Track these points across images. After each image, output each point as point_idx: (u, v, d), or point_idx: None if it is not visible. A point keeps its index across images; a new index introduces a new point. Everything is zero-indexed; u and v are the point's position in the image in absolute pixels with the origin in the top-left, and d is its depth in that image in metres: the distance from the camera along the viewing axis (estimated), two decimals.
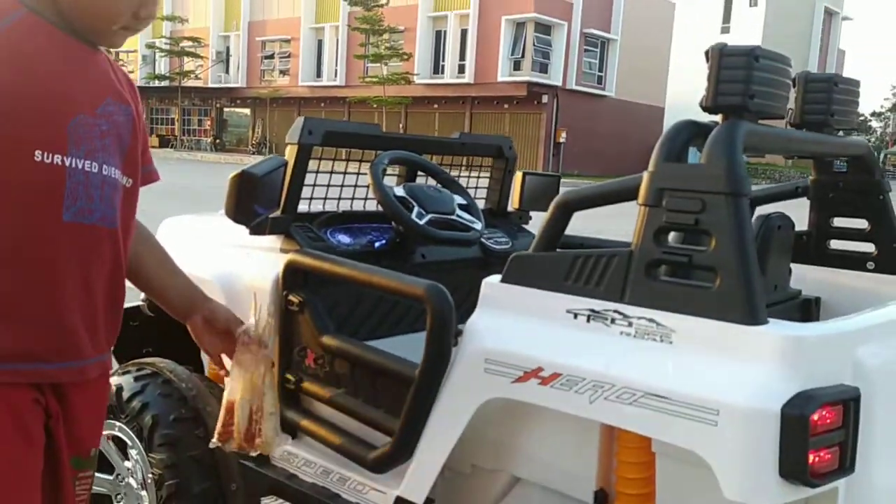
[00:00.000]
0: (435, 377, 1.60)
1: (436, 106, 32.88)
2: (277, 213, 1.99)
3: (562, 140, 30.12)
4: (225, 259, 2.12)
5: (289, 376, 1.94)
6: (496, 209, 2.70)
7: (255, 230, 1.94)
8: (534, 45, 30.73)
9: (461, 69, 32.26)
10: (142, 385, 2.12)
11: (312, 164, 2.09)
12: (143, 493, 2.09)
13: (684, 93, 39.23)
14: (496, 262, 2.57)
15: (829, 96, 1.74)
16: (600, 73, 33.76)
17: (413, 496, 1.65)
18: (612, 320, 1.41)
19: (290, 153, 2.01)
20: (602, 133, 32.61)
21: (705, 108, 1.47)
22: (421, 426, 1.63)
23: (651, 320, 1.37)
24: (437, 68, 33.11)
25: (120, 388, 2.13)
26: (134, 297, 2.43)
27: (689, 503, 1.45)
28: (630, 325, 1.39)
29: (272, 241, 2.03)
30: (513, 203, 2.72)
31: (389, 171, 2.29)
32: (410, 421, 1.63)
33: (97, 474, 2.20)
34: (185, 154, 34.58)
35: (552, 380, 1.42)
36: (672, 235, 1.43)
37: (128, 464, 2.14)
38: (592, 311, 1.44)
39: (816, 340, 1.28)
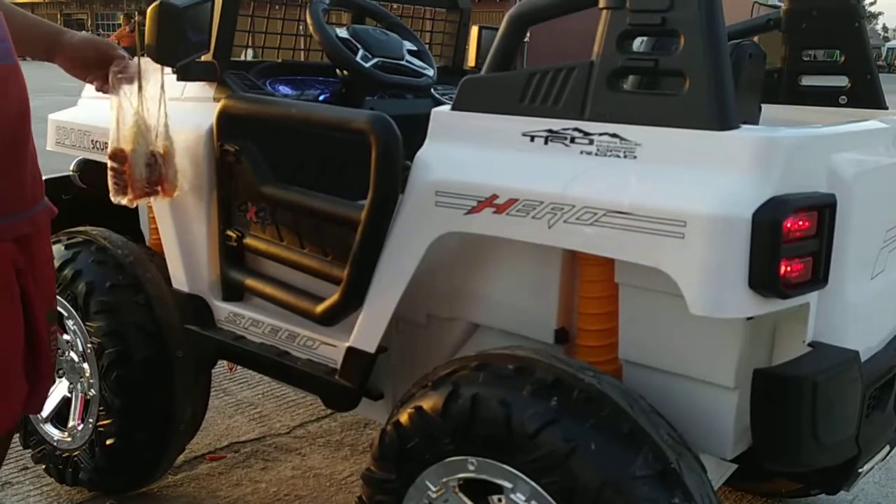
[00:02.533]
0: (382, 216, 1.48)
1: None
2: (208, 56, 1.80)
3: (526, 39, 29.40)
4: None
5: (229, 233, 1.80)
6: (451, 66, 2.52)
7: (183, 73, 1.75)
8: None
9: None
10: (73, 253, 1.97)
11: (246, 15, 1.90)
12: (85, 365, 1.98)
13: None
14: None
15: None
16: None
17: (364, 345, 1.55)
18: (572, 139, 1.29)
19: None
20: (568, 31, 31.82)
21: None
22: (370, 271, 1.52)
23: (614, 135, 1.25)
24: None
25: None
26: (61, 167, 2.26)
27: (652, 335, 1.38)
28: (591, 142, 1.27)
29: (204, 88, 1.85)
30: (469, 61, 2.55)
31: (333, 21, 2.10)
32: (358, 266, 1.52)
33: None
34: None
35: (507, 206, 1.31)
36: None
37: (66, 337, 2.02)
38: (550, 131, 1.32)
39: (791, 144, 1.18)
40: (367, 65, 1.90)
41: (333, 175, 2.01)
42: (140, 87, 1.63)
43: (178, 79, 1.78)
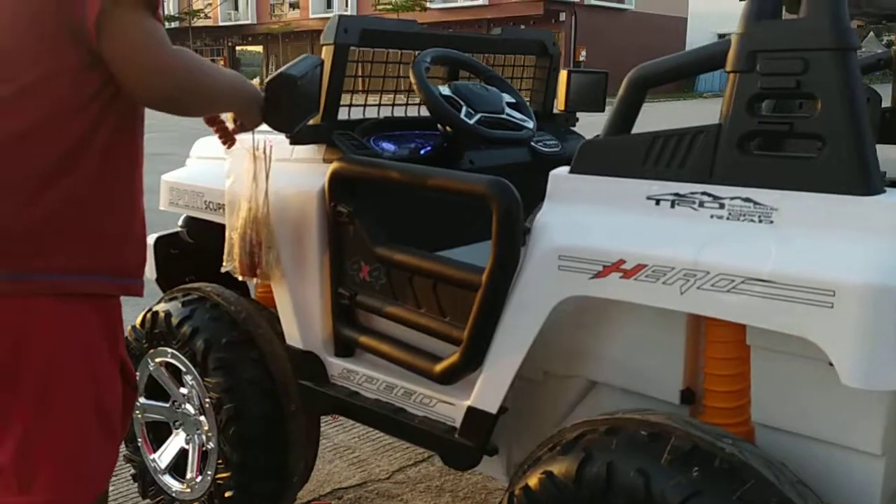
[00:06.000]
0: (504, 280, 1.49)
1: (451, 31, 32.01)
2: (317, 119, 1.86)
3: (581, 58, 29.28)
4: None
5: (342, 291, 1.84)
6: (541, 111, 2.54)
7: (297, 138, 1.82)
8: None
9: None
10: (191, 310, 2.05)
11: (350, 72, 1.95)
12: (202, 418, 2.04)
13: (707, 1, 37.79)
14: (546, 166, 2.42)
15: None
16: None
17: (486, 406, 1.56)
18: (701, 203, 1.28)
19: (326, 54, 1.86)
20: (623, 48, 31.58)
21: None
22: (490, 333, 1.53)
23: (747, 200, 1.24)
24: None
25: (168, 314, 2.06)
26: (168, 224, 2.36)
27: (789, 398, 1.35)
28: (722, 206, 1.26)
29: (313, 150, 1.91)
30: (558, 104, 2.56)
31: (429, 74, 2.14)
32: (479, 329, 1.54)
33: (153, 402, 2.17)
34: None
35: (636, 271, 1.30)
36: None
37: (183, 390, 2.09)
38: (677, 195, 1.31)
39: None
40: (471, 121, 1.92)
41: (448, 232, 2.04)
42: (254, 177, 1.72)
43: (291, 143, 1.85)
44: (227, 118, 1.65)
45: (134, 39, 1.23)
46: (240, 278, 1.84)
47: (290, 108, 1.67)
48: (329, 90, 1.86)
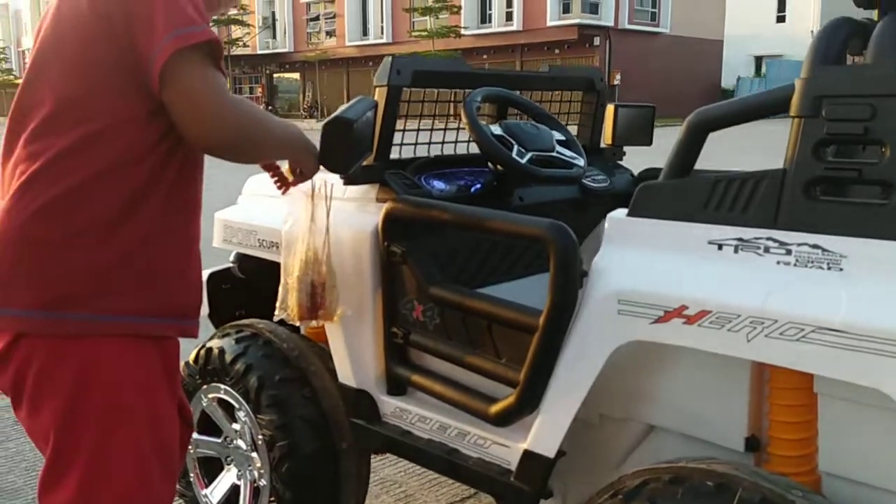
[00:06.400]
0: (561, 323, 1.48)
1: (485, 56, 32.26)
2: (370, 160, 1.88)
3: (616, 82, 29.24)
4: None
5: (395, 330, 1.85)
6: (589, 145, 2.54)
7: (351, 179, 1.84)
8: None
9: (509, 17, 31.53)
10: (244, 347, 2.07)
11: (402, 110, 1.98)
12: (254, 454, 2.06)
13: (743, 22, 37.57)
14: (595, 202, 2.42)
15: None
16: (653, 10, 32.54)
17: (543, 449, 1.55)
18: (766, 249, 1.27)
19: (379, 95, 1.89)
20: (658, 72, 31.56)
21: (859, 3, 1.29)
22: (547, 376, 1.52)
23: (815, 246, 1.22)
24: (485, 17, 32.43)
25: (222, 351, 2.09)
26: (218, 260, 2.40)
27: (857, 447, 1.31)
28: (788, 252, 1.24)
29: (366, 190, 1.93)
30: (605, 139, 2.56)
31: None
32: (536, 371, 1.53)
33: (206, 437, 2.19)
34: None
35: (699, 317, 1.29)
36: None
37: (235, 426, 2.11)
38: (741, 240, 1.30)
39: None
40: (523, 161, 1.93)
41: (498, 265, 2.04)
42: (312, 218, 1.74)
43: (345, 183, 1.87)
44: (285, 167, 1.68)
45: (195, 88, 1.26)
46: (297, 323, 1.84)
47: (345, 151, 1.69)
48: (382, 131, 1.88)
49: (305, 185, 1.76)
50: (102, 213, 1.31)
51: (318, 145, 1.60)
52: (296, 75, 41.48)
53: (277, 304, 1.84)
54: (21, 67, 55.91)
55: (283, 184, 1.71)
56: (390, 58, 1.90)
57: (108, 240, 1.32)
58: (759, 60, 38.82)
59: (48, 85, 1.31)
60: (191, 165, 1.41)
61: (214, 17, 1.57)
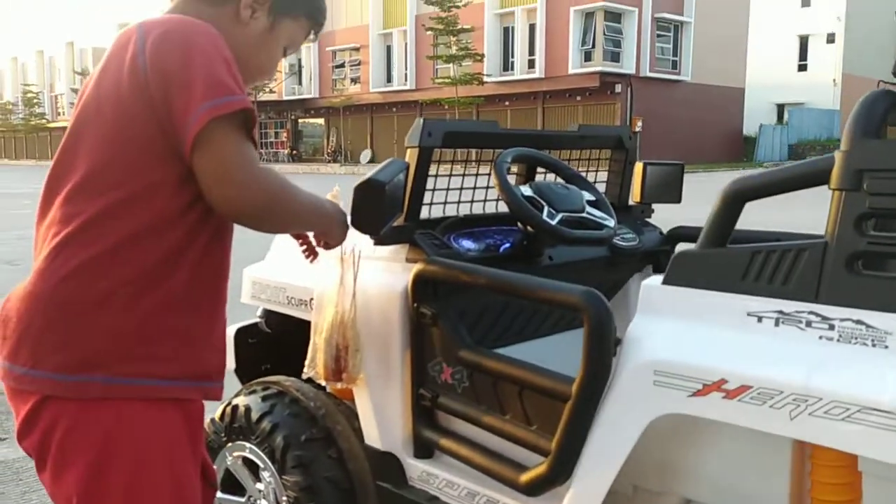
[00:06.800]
0: (595, 392, 1.46)
1: (507, 103, 32.63)
2: (401, 220, 1.89)
3: (637, 129, 29.36)
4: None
5: (423, 392, 1.83)
6: (618, 203, 2.53)
7: (381, 240, 1.84)
8: (604, 33, 30.12)
9: (531, 64, 31.92)
10: (270, 405, 2.06)
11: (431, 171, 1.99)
12: None
13: (764, 71, 37.74)
14: (624, 261, 2.41)
15: None
16: (674, 58, 32.80)
17: None
18: (808, 323, 1.24)
19: (410, 157, 1.90)
20: (680, 119, 31.69)
21: None
22: (580, 446, 1.49)
23: (859, 322, 1.19)
24: (507, 65, 32.87)
25: (248, 409, 2.07)
26: (244, 315, 2.40)
27: None
28: (832, 328, 1.22)
29: (396, 250, 1.93)
30: (633, 196, 2.55)
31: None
32: (569, 441, 1.50)
33: (229, 497, 2.17)
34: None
35: (739, 392, 1.26)
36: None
37: (259, 486, 2.08)
38: (781, 312, 1.27)
39: None
40: (553, 222, 1.92)
41: (526, 324, 2.02)
42: (341, 280, 1.75)
43: (375, 244, 1.87)
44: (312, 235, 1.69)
45: (224, 155, 1.27)
46: (323, 383, 1.83)
47: (376, 213, 1.70)
48: (413, 192, 1.89)
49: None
50: (133, 277, 1.32)
51: (346, 206, 1.60)
52: (320, 120, 42.15)
53: (306, 363, 1.84)
54: (53, 112, 57.52)
55: (311, 252, 1.72)
56: (421, 120, 1.92)
57: (136, 303, 1.32)
58: (780, 108, 38.88)
59: (84, 151, 1.33)
60: (221, 232, 1.41)
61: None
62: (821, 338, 1.22)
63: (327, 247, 1.64)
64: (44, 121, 55.35)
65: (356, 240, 1.80)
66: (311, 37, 1.55)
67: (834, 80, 37.72)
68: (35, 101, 56.26)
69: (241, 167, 1.28)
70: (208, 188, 1.28)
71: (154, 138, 1.30)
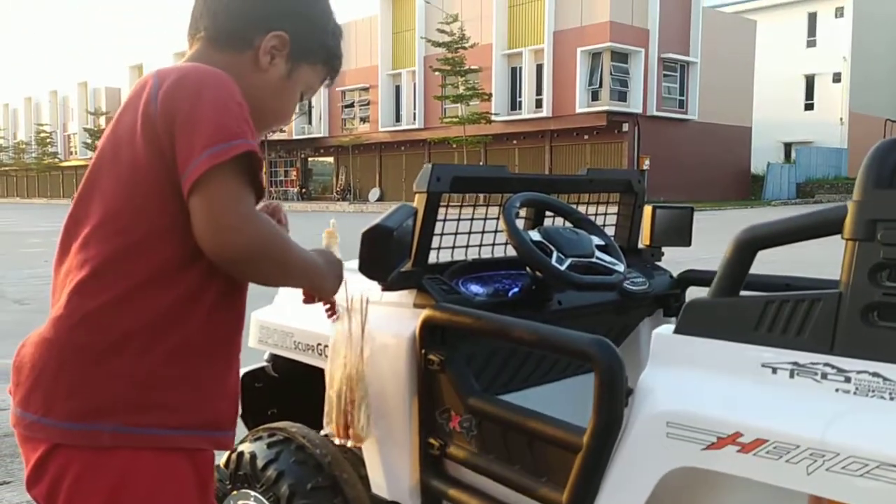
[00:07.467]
0: (606, 444, 1.43)
1: (515, 142, 32.89)
2: (408, 265, 1.88)
3: (645, 168, 29.49)
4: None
5: (431, 440, 1.80)
6: (627, 246, 2.52)
7: (389, 286, 1.83)
8: (611, 73, 30.46)
9: (538, 104, 32.24)
10: (276, 452, 2.03)
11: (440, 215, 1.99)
12: None
13: (771, 110, 37.98)
14: (634, 305, 2.39)
15: None
16: (681, 98, 33.08)
17: None
18: (824, 375, 1.22)
19: (418, 202, 1.90)
20: (687, 158, 31.83)
21: None
22: (592, 498, 1.45)
23: (875, 374, 1.16)
24: (515, 104, 33.20)
25: (254, 456, 2.04)
26: (253, 359, 2.38)
27: None
28: (848, 380, 1.19)
29: (404, 295, 1.92)
30: (643, 239, 2.54)
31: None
32: (580, 493, 1.46)
33: None
34: None
35: (755, 446, 1.23)
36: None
37: None
38: (796, 364, 1.25)
39: None
40: (562, 267, 1.91)
41: (533, 369, 2.00)
42: (349, 332, 1.73)
43: (383, 290, 1.86)
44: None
45: (218, 197, 1.24)
46: (337, 441, 1.81)
47: (384, 258, 1.69)
48: (421, 237, 1.89)
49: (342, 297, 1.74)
50: (145, 324, 1.30)
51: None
52: (330, 159, 42.55)
53: (324, 418, 1.81)
54: (66, 151, 58.27)
55: (332, 311, 1.69)
56: (430, 165, 1.92)
57: (149, 350, 1.31)
58: (788, 147, 39.04)
59: (99, 196, 1.34)
60: (237, 280, 1.40)
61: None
62: (837, 390, 1.20)
63: (320, 300, 1.61)
64: (56, 160, 56.07)
65: (364, 286, 1.79)
66: (327, 82, 1.55)
67: (841, 119, 37.92)
68: (48, 140, 57.07)
69: (234, 212, 1.25)
70: (197, 228, 1.25)
71: (162, 183, 1.29)
